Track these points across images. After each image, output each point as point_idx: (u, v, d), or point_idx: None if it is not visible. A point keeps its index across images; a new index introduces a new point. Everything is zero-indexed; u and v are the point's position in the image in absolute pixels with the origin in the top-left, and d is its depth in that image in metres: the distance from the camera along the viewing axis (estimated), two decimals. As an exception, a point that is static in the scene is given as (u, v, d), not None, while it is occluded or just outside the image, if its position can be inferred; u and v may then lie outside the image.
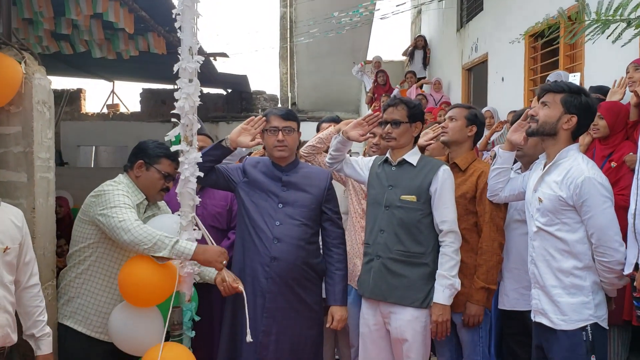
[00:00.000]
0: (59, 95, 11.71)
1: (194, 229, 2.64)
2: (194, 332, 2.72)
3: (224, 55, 7.77)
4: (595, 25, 2.59)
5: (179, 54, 2.55)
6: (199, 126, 2.68)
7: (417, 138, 2.91)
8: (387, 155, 2.91)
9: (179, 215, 2.63)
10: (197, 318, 2.75)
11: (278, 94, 13.81)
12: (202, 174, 2.64)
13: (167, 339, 2.55)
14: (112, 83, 12.98)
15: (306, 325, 2.81)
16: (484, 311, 2.82)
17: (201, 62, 2.59)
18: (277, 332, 2.72)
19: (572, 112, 2.38)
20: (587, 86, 4.25)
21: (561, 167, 2.39)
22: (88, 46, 6.27)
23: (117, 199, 2.55)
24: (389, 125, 2.82)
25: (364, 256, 2.90)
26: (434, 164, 2.79)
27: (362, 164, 3.01)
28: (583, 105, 2.39)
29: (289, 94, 13.84)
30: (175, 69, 2.56)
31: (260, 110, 12.34)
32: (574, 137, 2.45)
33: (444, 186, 2.72)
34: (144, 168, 2.74)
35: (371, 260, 2.81)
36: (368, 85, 10.69)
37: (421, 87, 9.66)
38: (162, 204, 2.93)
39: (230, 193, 3.05)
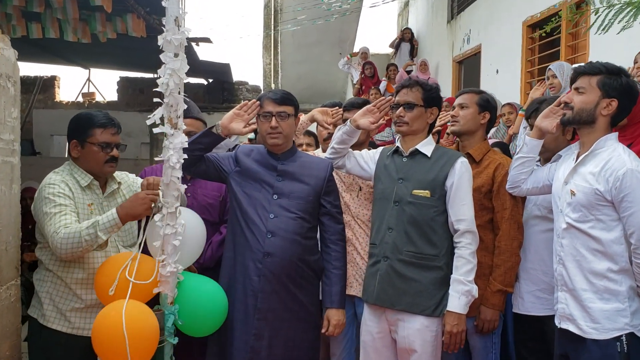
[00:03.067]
0: (32, 82, 11.35)
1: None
2: (177, 338, 2.43)
3: (207, 40, 7.36)
4: (628, 9, 2.40)
5: (164, 26, 2.29)
6: (186, 107, 2.39)
7: (432, 126, 2.64)
8: (398, 144, 2.65)
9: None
10: (180, 323, 2.45)
11: (261, 85, 13.51)
12: (186, 156, 2.36)
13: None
14: (88, 70, 12.63)
15: (302, 327, 2.57)
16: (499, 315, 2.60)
17: (188, 34, 2.31)
18: (270, 335, 2.50)
19: (612, 96, 2.15)
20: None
21: (598, 157, 2.16)
22: (61, 28, 5.85)
23: (50, 204, 2.33)
24: (401, 108, 2.56)
25: (369, 258, 2.63)
26: (450, 155, 2.53)
27: (367, 157, 2.73)
28: (624, 87, 2.15)
29: (273, 85, 13.56)
30: (160, 42, 2.28)
31: (242, 100, 12.02)
32: (614, 124, 2.22)
33: (461, 180, 2.47)
34: (80, 147, 2.49)
35: (377, 262, 2.54)
36: (355, 78, 10.49)
37: (409, 72, 9.47)
38: (119, 175, 2.67)
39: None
